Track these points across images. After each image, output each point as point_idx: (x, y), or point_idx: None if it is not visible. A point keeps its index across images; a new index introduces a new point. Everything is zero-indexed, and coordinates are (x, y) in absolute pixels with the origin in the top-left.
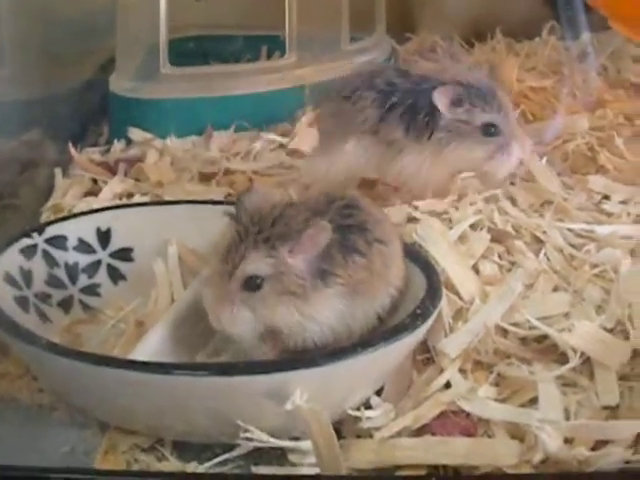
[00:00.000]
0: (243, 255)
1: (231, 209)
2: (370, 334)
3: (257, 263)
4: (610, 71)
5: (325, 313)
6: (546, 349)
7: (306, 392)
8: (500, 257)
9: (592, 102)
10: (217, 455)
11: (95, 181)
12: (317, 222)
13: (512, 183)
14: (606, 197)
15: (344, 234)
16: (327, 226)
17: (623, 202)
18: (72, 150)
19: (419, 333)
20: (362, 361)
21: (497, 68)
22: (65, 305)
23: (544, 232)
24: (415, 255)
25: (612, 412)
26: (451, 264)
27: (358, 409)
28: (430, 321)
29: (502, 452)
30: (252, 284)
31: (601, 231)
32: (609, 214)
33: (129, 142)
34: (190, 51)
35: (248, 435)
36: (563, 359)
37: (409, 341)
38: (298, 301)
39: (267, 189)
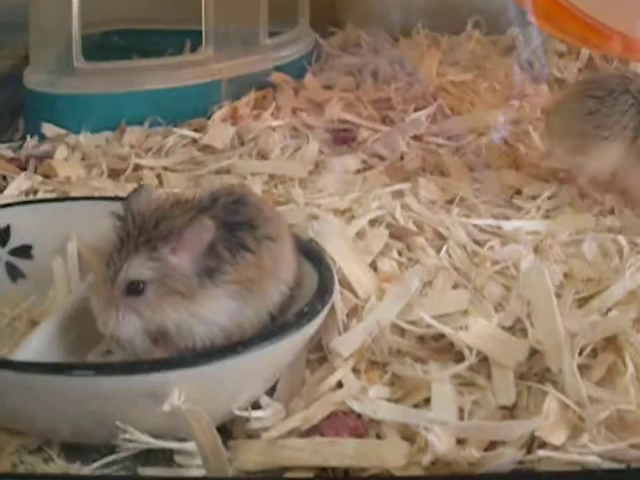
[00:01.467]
0: (124, 259)
1: (119, 209)
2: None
3: (138, 267)
4: (535, 66)
5: (214, 312)
6: (442, 348)
7: (185, 392)
8: (400, 254)
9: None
10: (104, 456)
11: (4, 177)
12: (199, 219)
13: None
14: (518, 192)
15: (231, 231)
16: (209, 223)
17: (534, 197)
18: None
19: (306, 331)
20: (244, 360)
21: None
22: None
23: (447, 228)
24: (309, 252)
25: (509, 412)
26: (347, 261)
27: (247, 409)
28: (319, 319)
29: (391, 453)
30: (134, 289)
31: (507, 227)
32: (519, 209)
33: (43, 138)
34: (114, 45)
35: (127, 436)
36: (460, 358)
37: (295, 340)
38: (185, 301)
39: (153, 188)
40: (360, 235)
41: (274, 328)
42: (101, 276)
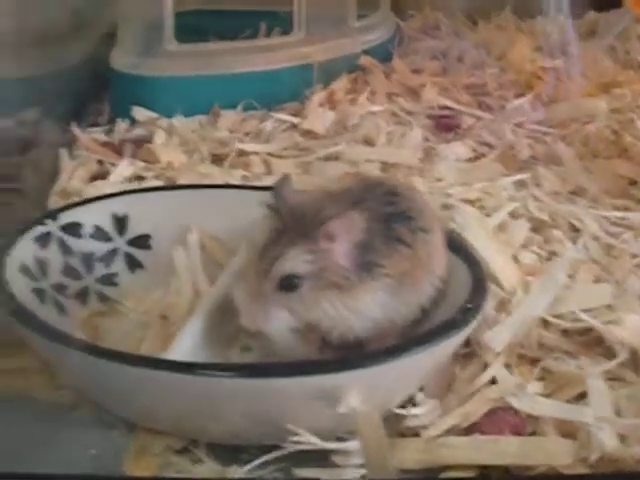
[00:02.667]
0: (280, 252)
1: (269, 200)
2: (413, 327)
3: (294, 261)
4: (619, 51)
5: (370, 306)
6: (590, 342)
7: (360, 394)
8: (539, 246)
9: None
10: (254, 457)
11: (101, 162)
12: (357, 210)
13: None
14: (633, 183)
15: (387, 223)
16: (356, 216)
17: None
18: (76, 130)
19: (470, 329)
20: (416, 359)
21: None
22: (82, 296)
23: (580, 220)
24: (455, 244)
25: None
26: (491, 254)
27: (403, 407)
28: (480, 316)
29: (556, 451)
30: (289, 284)
31: (635, 218)
32: (638, 200)
33: (133, 122)
34: (188, 26)
35: (297, 439)
36: (608, 353)
37: (460, 337)
38: (343, 295)
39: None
40: (500, 227)
41: (443, 325)
42: (252, 269)
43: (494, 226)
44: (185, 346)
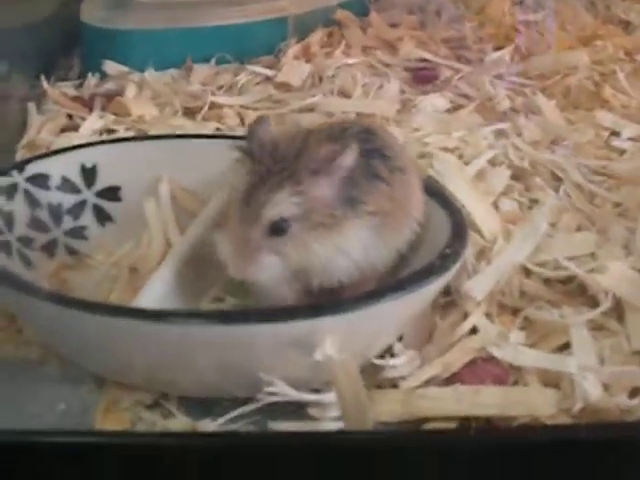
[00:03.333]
0: (267, 197)
1: (241, 143)
2: (392, 274)
3: (283, 204)
4: (599, 7)
5: (355, 245)
6: (573, 291)
7: (337, 341)
8: (519, 194)
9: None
10: (227, 410)
11: (70, 117)
12: (343, 142)
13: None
14: (614, 133)
15: (365, 159)
16: (354, 147)
17: (632, 139)
18: (45, 84)
19: (449, 275)
20: (393, 305)
21: None
22: (49, 249)
23: (561, 168)
24: (434, 190)
25: None
26: (471, 201)
27: (382, 357)
28: (460, 262)
29: (539, 401)
30: (279, 228)
31: (616, 168)
32: (620, 151)
33: (103, 75)
34: None
35: (272, 389)
36: (591, 301)
37: (440, 283)
38: (330, 234)
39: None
40: (479, 175)
41: (421, 271)
42: (236, 216)
43: (473, 173)
44: (154, 295)
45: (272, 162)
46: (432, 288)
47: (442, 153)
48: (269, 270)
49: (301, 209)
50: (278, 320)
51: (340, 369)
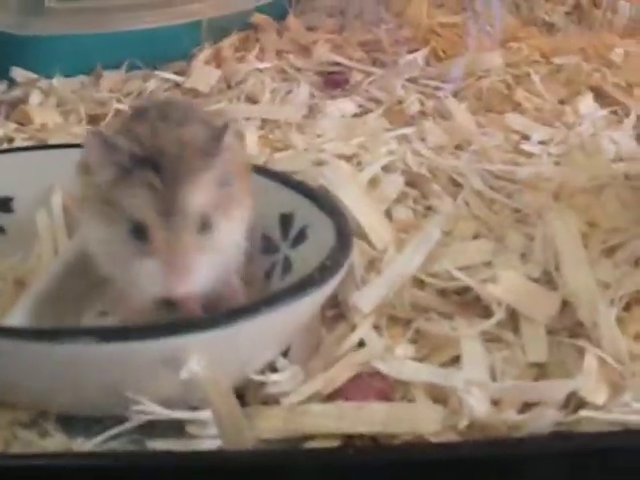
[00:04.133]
0: (185, 195)
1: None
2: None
3: (202, 196)
4: (522, 9)
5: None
6: (468, 302)
7: (204, 357)
8: (415, 202)
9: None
10: (107, 429)
11: None
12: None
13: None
14: (525, 137)
15: None
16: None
17: (543, 142)
18: None
19: (329, 287)
20: (267, 320)
21: None
22: None
23: (462, 174)
24: (321, 200)
25: (540, 369)
26: (362, 210)
27: (263, 372)
28: (341, 273)
29: (424, 417)
30: (207, 223)
31: (522, 173)
32: (529, 155)
33: (12, 83)
34: None
35: (140, 408)
36: (486, 312)
37: (319, 297)
38: (237, 219)
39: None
40: (372, 182)
41: (297, 284)
42: (154, 229)
43: (366, 181)
44: (28, 311)
45: (165, 158)
46: (310, 301)
47: (336, 161)
48: (206, 274)
49: (214, 196)
50: (142, 338)
51: (210, 386)
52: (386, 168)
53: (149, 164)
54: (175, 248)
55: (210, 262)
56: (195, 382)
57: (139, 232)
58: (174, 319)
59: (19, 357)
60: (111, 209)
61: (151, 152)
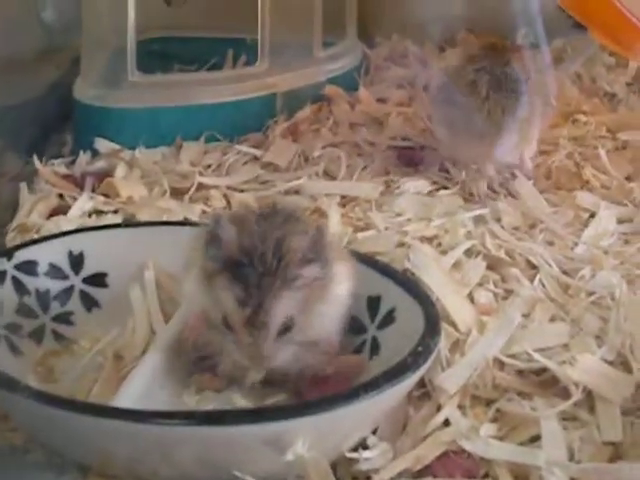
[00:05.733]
0: (269, 296)
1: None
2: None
3: (287, 306)
4: (584, 79)
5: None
6: (546, 382)
7: (307, 440)
8: (495, 285)
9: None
10: None
11: (61, 196)
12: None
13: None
14: (593, 215)
15: None
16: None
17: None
18: (37, 162)
19: (422, 372)
20: (366, 404)
21: None
22: (37, 336)
23: (538, 257)
24: (408, 283)
25: (615, 448)
26: (446, 293)
27: (355, 449)
28: (432, 359)
29: None
30: (288, 327)
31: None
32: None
33: (95, 153)
34: (152, 53)
35: None
36: (563, 392)
37: (412, 381)
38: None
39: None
40: (455, 266)
41: (393, 369)
42: (235, 318)
43: (450, 265)
44: (136, 389)
45: (263, 256)
46: (405, 386)
47: (419, 244)
48: (284, 362)
49: (301, 302)
50: (251, 422)
51: (312, 468)
52: (468, 251)
53: (243, 266)
54: (255, 350)
55: (290, 352)
56: (299, 463)
57: (227, 324)
58: (280, 404)
59: (126, 436)
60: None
61: (247, 254)
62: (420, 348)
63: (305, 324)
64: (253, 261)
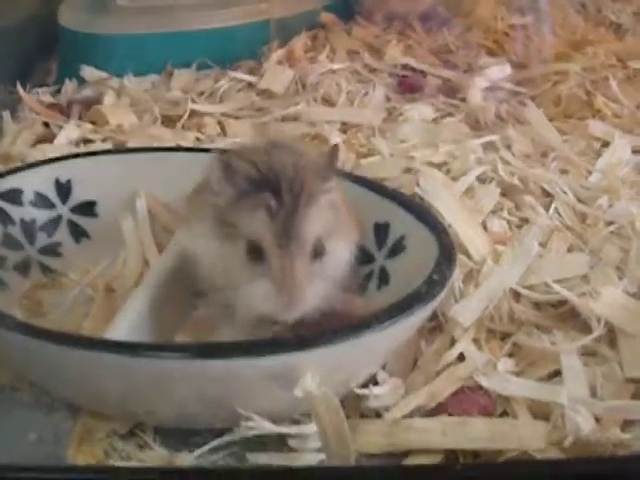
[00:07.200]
0: (300, 224)
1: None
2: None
3: (317, 224)
4: (590, 9)
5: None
6: (564, 315)
7: (317, 375)
8: (509, 213)
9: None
10: (204, 441)
11: (47, 125)
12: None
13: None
14: (606, 144)
15: None
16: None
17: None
18: (21, 90)
19: (436, 302)
20: (377, 336)
21: None
22: (23, 268)
23: (553, 185)
24: (419, 210)
25: (638, 385)
26: (459, 221)
27: (365, 386)
28: (447, 287)
29: (528, 434)
30: (319, 250)
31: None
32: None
33: (81, 81)
34: None
35: (250, 424)
36: (583, 326)
37: (427, 312)
38: (347, 236)
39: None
40: (467, 193)
41: (407, 298)
42: (271, 253)
43: (461, 192)
44: (129, 323)
45: (284, 181)
46: (419, 316)
47: (429, 169)
48: (316, 299)
49: (328, 221)
50: (258, 354)
51: (321, 404)
52: (479, 178)
53: (268, 187)
54: (290, 274)
55: (321, 287)
56: (307, 399)
57: (255, 252)
58: (286, 337)
59: (120, 371)
60: (228, 228)
61: (269, 176)
62: (435, 276)
63: (329, 252)
64: (276, 182)
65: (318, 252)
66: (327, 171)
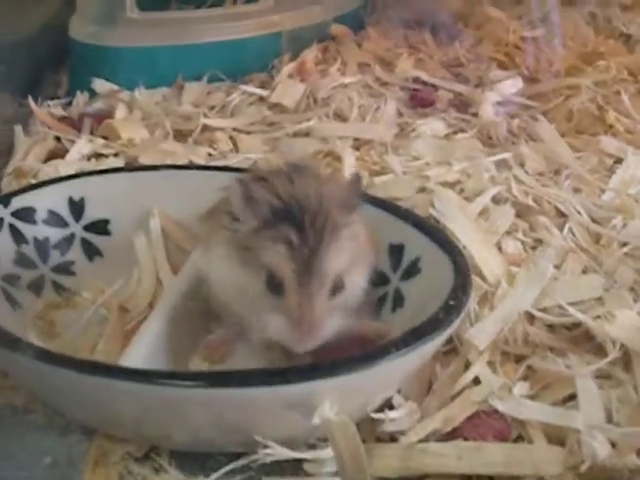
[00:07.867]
0: (323, 260)
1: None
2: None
3: (339, 260)
4: (599, 20)
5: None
6: (579, 338)
7: (335, 403)
8: (524, 234)
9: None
10: (220, 465)
11: (58, 139)
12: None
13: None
14: (618, 161)
15: None
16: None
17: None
18: (32, 104)
19: (453, 327)
20: (395, 363)
21: None
22: (36, 287)
23: (567, 205)
24: (433, 231)
25: None
26: (474, 243)
27: (381, 410)
28: (464, 312)
29: (544, 459)
30: (339, 285)
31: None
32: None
33: (92, 94)
34: None
35: (268, 451)
36: (598, 349)
37: (443, 337)
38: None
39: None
40: (482, 213)
41: (424, 325)
42: (290, 286)
43: (476, 212)
44: (143, 350)
45: (307, 213)
46: (435, 343)
47: (443, 190)
48: (331, 331)
49: (349, 254)
50: (274, 383)
51: (338, 431)
52: (494, 198)
53: (290, 220)
54: (308, 312)
55: (337, 318)
56: (325, 425)
57: (274, 284)
58: (303, 365)
59: (136, 397)
60: (248, 254)
61: (292, 206)
62: (452, 302)
63: (349, 285)
64: (299, 215)
65: (337, 287)
66: (351, 202)
